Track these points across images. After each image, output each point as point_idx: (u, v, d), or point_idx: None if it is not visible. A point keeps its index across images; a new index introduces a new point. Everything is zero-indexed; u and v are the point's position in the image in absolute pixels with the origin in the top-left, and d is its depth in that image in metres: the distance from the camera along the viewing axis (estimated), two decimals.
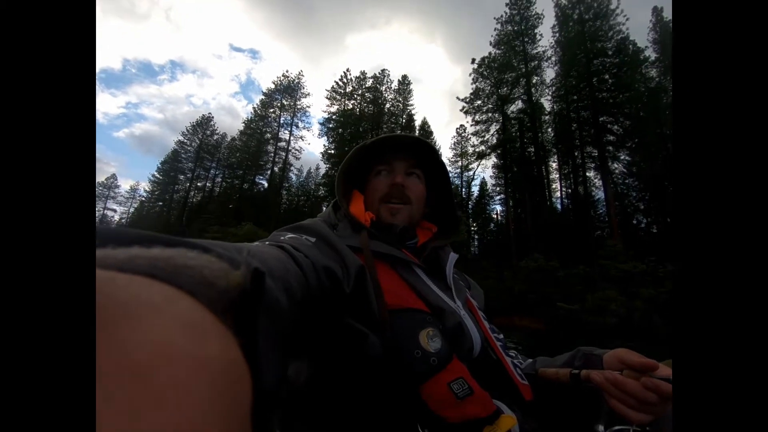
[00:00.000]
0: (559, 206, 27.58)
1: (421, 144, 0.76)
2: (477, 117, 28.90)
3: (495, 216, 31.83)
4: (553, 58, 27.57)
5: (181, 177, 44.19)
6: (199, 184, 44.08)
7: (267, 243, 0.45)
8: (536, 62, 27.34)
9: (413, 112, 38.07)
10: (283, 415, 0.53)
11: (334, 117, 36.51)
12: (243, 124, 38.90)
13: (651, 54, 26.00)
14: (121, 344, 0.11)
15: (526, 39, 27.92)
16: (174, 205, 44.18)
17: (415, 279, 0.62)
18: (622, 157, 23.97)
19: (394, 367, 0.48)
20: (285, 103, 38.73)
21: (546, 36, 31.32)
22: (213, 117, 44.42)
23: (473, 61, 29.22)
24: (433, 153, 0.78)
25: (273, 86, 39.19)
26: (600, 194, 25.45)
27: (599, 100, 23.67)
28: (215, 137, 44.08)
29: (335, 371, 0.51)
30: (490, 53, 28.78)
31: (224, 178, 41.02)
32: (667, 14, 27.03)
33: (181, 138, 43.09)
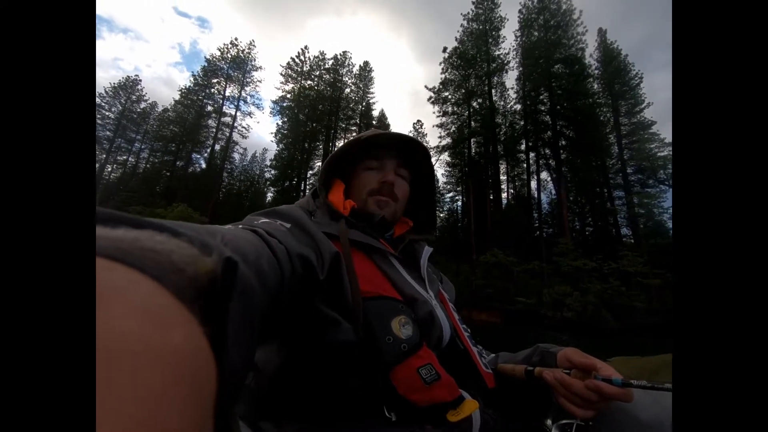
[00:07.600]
0: (508, 205, 28.53)
1: (413, 145, 0.79)
2: (444, 108, 28.60)
3: (456, 211, 31.97)
4: (513, 62, 28.42)
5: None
6: (120, 158, 37.47)
7: (240, 227, 0.44)
8: (498, 63, 27.84)
9: (373, 101, 36.78)
10: (251, 401, 0.54)
11: (288, 96, 33.55)
12: (179, 93, 33.73)
13: (594, 71, 28.13)
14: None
15: (490, 40, 28.29)
16: None
17: (390, 269, 0.64)
18: (572, 159, 25.44)
19: (366, 352, 0.50)
20: (232, 74, 34.48)
21: (508, 39, 32.30)
22: (141, 80, 37.98)
23: (445, 49, 28.84)
24: (426, 156, 0.82)
25: (219, 53, 34.64)
26: (543, 195, 26.90)
27: (557, 105, 24.80)
28: (142, 105, 37.82)
29: (305, 356, 0.51)
30: (463, 43, 28.65)
31: (152, 153, 35.34)
32: (611, 36, 29.61)
33: (98, 101, 36.06)
